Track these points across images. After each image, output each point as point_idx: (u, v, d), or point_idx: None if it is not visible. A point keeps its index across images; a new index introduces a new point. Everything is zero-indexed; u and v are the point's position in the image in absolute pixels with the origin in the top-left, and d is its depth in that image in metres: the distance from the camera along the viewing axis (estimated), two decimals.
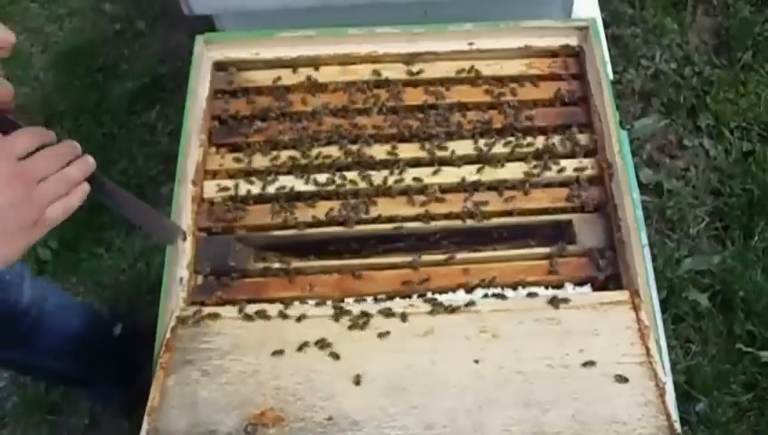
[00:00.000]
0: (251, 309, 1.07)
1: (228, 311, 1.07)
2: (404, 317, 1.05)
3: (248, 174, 1.23)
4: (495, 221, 1.18)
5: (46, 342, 1.39)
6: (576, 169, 1.21)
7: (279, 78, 1.32)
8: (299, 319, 1.05)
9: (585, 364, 0.99)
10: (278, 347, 1.02)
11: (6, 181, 0.74)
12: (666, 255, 1.90)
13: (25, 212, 0.76)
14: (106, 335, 1.62)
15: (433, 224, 1.18)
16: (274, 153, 1.24)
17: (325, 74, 1.32)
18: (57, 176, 0.80)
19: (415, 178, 1.21)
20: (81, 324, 1.49)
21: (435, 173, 1.21)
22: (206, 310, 1.07)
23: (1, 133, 0.80)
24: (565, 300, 1.06)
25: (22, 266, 1.33)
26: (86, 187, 0.84)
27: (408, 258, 1.14)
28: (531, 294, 1.09)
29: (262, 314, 1.06)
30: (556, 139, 1.25)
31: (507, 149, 1.23)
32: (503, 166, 1.22)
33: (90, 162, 0.85)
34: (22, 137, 0.79)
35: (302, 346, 1.02)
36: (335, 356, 1.01)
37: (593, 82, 1.28)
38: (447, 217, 1.18)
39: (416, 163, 1.23)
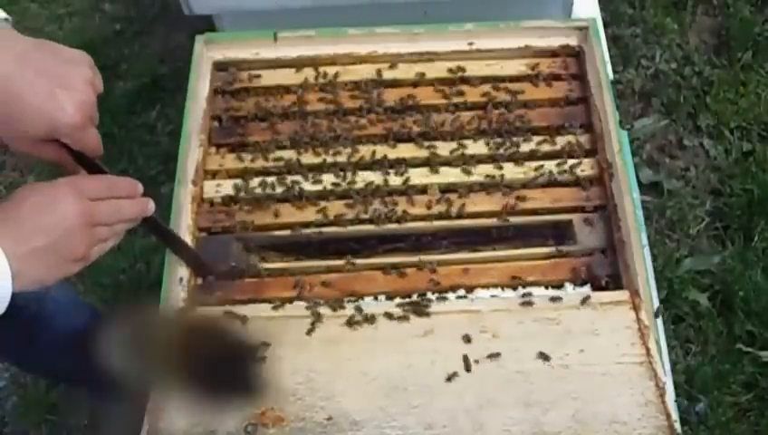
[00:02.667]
0: (251, 310, 1.07)
1: (228, 311, 1.07)
2: (404, 317, 1.05)
3: (248, 174, 1.23)
4: (495, 221, 1.18)
5: (46, 337, 1.38)
6: (576, 169, 1.21)
7: (279, 78, 1.32)
8: (299, 319, 1.05)
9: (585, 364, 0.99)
10: (278, 349, 1.02)
11: (73, 215, 0.81)
12: (666, 255, 1.90)
13: (78, 247, 0.82)
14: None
15: (433, 224, 1.18)
16: (274, 153, 1.24)
17: (325, 74, 1.32)
18: (113, 226, 0.88)
19: (415, 178, 1.21)
20: (81, 322, 1.49)
21: (435, 173, 1.21)
22: (206, 310, 1.06)
23: (88, 172, 0.90)
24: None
25: None
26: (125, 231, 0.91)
27: (409, 258, 1.14)
28: (527, 295, 1.09)
29: (261, 319, 1.06)
30: (556, 139, 1.25)
31: (507, 150, 1.23)
32: (503, 166, 1.22)
33: (147, 208, 0.93)
34: (98, 182, 0.88)
35: (302, 346, 1.02)
36: (335, 356, 1.01)
37: (593, 82, 1.28)
38: (447, 217, 1.18)
39: (416, 163, 1.23)
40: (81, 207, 0.82)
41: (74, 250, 0.81)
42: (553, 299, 1.06)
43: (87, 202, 0.83)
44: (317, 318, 1.05)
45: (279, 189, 1.20)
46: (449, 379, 0.98)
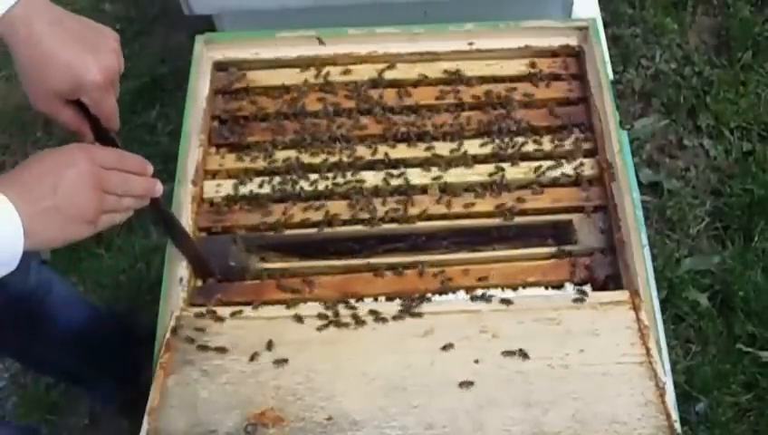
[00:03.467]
0: (251, 311, 1.07)
1: (228, 311, 1.07)
2: (404, 317, 1.05)
3: (248, 174, 1.23)
4: (495, 221, 1.18)
5: (48, 330, 1.39)
6: (576, 169, 1.21)
7: (279, 78, 1.32)
8: (299, 319, 1.05)
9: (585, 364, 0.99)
10: (278, 347, 1.02)
11: (85, 177, 0.83)
12: (666, 255, 1.90)
13: (87, 208, 0.84)
14: (106, 333, 1.62)
15: (433, 224, 1.18)
16: (274, 153, 1.24)
17: (325, 74, 1.32)
18: (122, 194, 0.90)
19: (415, 178, 1.21)
20: (82, 319, 1.49)
21: (435, 173, 1.21)
22: (206, 310, 1.07)
23: (101, 144, 0.94)
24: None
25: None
26: (133, 209, 0.94)
27: (408, 259, 1.14)
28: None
29: (261, 319, 1.06)
30: (556, 139, 1.25)
31: (507, 150, 1.23)
32: (503, 166, 1.22)
33: (156, 189, 0.94)
34: (112, 154, 0.90)
35: (303, 346, 1.02)
36: (335, 356, 1.01)
37: (593, 82, 1.28)
38: (447, 217, 1.18)
39: (416, 163, 1.23)
40: (91, 169, 0.84)
41: (84, 211, 0.83)
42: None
43: (97, 167, 0.85)
44: (317, 318, 1.05)
45: (279, 189, 1.20)
46: (449, 379, 0.98)
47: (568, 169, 1.21)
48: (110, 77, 0.93)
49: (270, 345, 1.02)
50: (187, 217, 1.16)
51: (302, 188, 1.20)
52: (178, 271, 1.11)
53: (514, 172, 1.21)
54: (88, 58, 0.90)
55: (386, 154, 1.23)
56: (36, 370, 1.82)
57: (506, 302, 1.07)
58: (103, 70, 0.91)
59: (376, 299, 1.10)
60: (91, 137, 0.95)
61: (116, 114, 0.95)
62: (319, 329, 1.04)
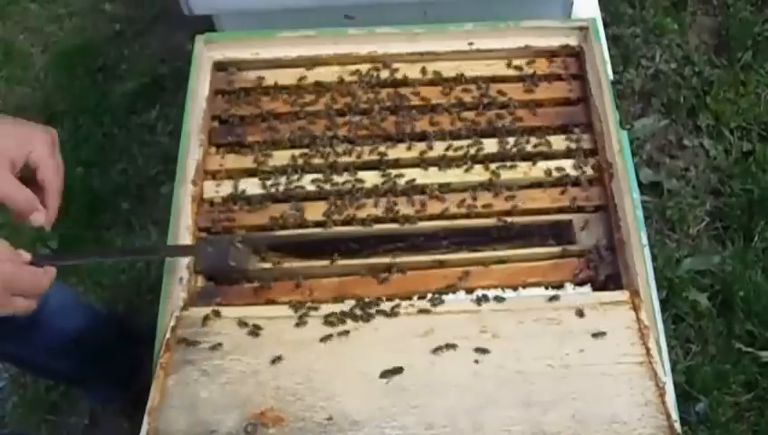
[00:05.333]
0: (251, 310, 1.07)
1: (228, 311, 1.07)
2: (404, 317, 1.05)
3: (248, 174, 1.23)
4: (495, 221, 1.18)
5: (45, 339, 1.38)
6: (576, 169, 1.21)
7: (279, 78, 1.32)
8: (299, 319, 1.05)
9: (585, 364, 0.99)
10: (278, 347, 1.02)
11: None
12: (666, 255, 1.90)
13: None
14: (106, 335, 1.62)
15: (433, 224, 1.18)
16: (274, 153, 1.24)
17: (325, 74, 1.32)
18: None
19: (414, 178, 1.21)
20: (81, 324, 1.49)
21: (434, 173, 1.21)
22: (207, 310, 1.07)
23: None
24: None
25: None
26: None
27: (408, 259, 1.14)
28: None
29: (261, 319, 1.06)
30: (556, 139, 1.25)
31: (507, 149, 1.23)
32: (503, 166, 1.22)
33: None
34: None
35: (302, 346, 1.02)
36: (335, 356, 1.01)
37: (593, 82, 1.28)
38: (447, 217, 1.18)
39: (415, 163, 1.23)
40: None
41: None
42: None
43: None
44: (317, 318, 1.05)
45: (279, 190, 1.20)
46: (449, 379, 0.98)
47: (568, 168, 1.21)
48: (54, 140, 0.95)
49: (270, 346, 1.02)
50: (186, 217, 1.16)
51: (302, 188, 1.20)
52: (178, 271, 1.11)
53: (514, 172, 1.21)
54: (32, 125, 0.95)
55: (386, 154, 1.23)
56: (35, 375, 1.82)
57: (506, 302, 1.07)
58: (49, 133, 0.95)
59: (376, 299, 1.09)
60: (41, 215, 0.94)
61: (58, 187, 0.95)
62: (319, 329, 1.04)
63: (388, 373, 0.98)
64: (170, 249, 1.13)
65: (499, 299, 1.07)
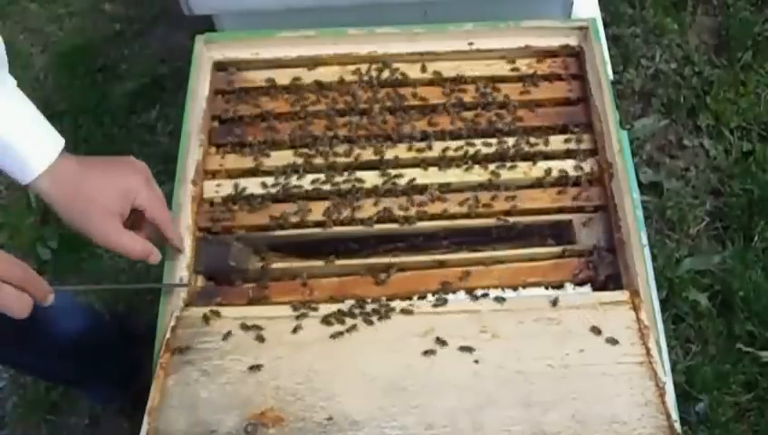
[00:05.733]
0: (251, 311, 1.07)
1: (228, 311, 1.07)
2: (404, 317, 1.05)
3: (248, 174, 1.23)
4: (495, 221, 1.18)
5: (45, 342, 1.38)
6: (576, 169, 1.21)
7: (279, 78, 1.32)
8: (299, 319, 1.05)
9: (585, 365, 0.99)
10: (278, 348, 1.02)
11: None
12: (666, 255, 1.90)
13: None
14: (106, 337, 1.62)
15: (433, 224, 1.18)
16: (274, 153, 1.24)
17: (325, 74, 1.32)
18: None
19: (414, 178, 1.21)
20: (79, 326, 1.49)
21: (434, 173, 1.21)
22: (207, 310, 1.07)
23: None
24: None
25: None
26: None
27: (408, 259, 1.14)
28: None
29: (262, 319, 1.06)
30: (556, 139, 1.25)
31: (507, 149, 1.23)
32: (503, 166, 1.22)
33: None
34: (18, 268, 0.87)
35: (302, 346, 1.02)
36: (335, 356, 1.01)
37: (593, 82, 1.28)
38: (447, 217, 1.18)
39: (415, 163, 1.23)
40: None
41: None
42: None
43: None
44: (317, 318, 1.05)
45: (279, 190, 1.20)
46: (449, 379, 0.98)
47: (568, 169, 1.21)
48: (147, 175, 1.02)
49: (270, 346, 1.02)
50: (187, 217, 1.16)
51: (302, 188, 1.20)
52: (178, 271, 1.11)
53: (514, 172, 1.21)
54: (121, 167, 1.00)
55: (385, 154, 1.23)
56: (34, 377, 1.82)
57: (506, 302, 1.07)
58: (141, 170, 1.02)
59: (376, 299, 1.09)
60: (157, 255, 1.02)
61: (170, 218, 1.04)
62: (319, 329, 1.04)
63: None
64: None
65: (499, 299, 1.07)
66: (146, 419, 0.95)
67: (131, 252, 0.98)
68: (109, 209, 0.96)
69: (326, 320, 1.05)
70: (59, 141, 0.96)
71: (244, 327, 1.04)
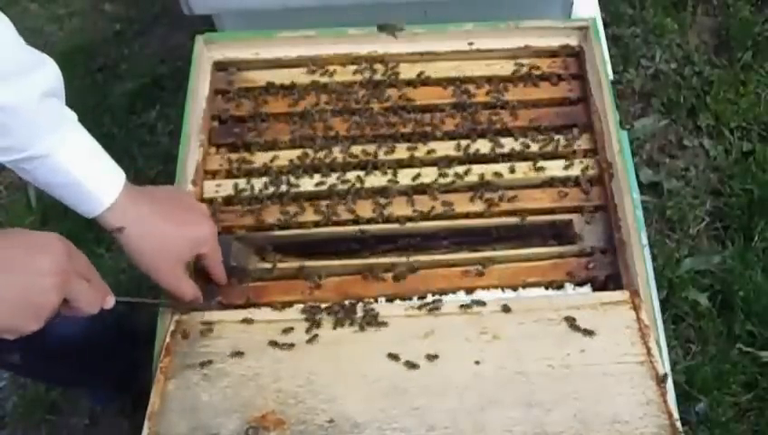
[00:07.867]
0: (251, 312, 1.07)
1: (229, 314, 1.07)
2: (404, 318, 1.05)
3: (248, 174, 1.23)
4: (495, 221, 1.18)
5: (47, 347, 1.38)
6: (576, 169, 1.21)
7: (279, 78, 1.31)
8: (299, 321, 1.05)
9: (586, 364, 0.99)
10: (278, 350, 1.02)
11: (56, 275, 0.82)
12: (666, 255, 1.90)
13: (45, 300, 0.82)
14: (107, 338, 1.62)
15: (433, 224, 1.18)
16: (274, 153, 1.24)
17: (325, 74, 1.32)
18: (75, 305, 0.89)
19: (414, 178, 1.20)
20: (82, 328, 1.48)
21: (435, 173, 1.21)
22: (207, 313, 1.06)
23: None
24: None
25: None
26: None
27: (409, 259, 1.14)
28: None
29: (262, 322, 1.06)
30: (556, 139, 1.24)
31: (507, 150, 1.23)
32: (503, 166, 1.22)
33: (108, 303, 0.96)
34: (84, 260, 0.90)
35: (303, 349, 1.02)
36: (336, 358, 1.01)
37: (593, 82, 1.28)
38: (447, 217, 1.18)
39: (415, 163, 1.23)
40: (66, 267, 0.83)
41: (44, 301, 0.82)
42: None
43: (71, 267, 0.85)
44: (317, 320, 1.05)
45: (279, 189, 1.20)
46: (450, 380, 0.98)
47: (568, 168, 1.21)
48: (214, 232, 1.05)
49: (270, 348, 1.02)
50: None
51: (302, 187, 1.20)
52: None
53: (514, 172, 1.21)
54: (191, 216, 1.03)
55: (385, 154, 1.23)
56: (34, 380, 1.82)
57: (506, 302, 1.07)
58: (209, 219, 1.05)
59: (376, 300, 1.09)
60: (201, 298, 1.06)
61: (224, 272, 1.08)
62: (319, 330, 1.04)
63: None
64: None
65: (499, 300, 1.07)
66: (146, 423, 0.95)
67: (185, 296, 1.03)
68: (180, 258, 1.01)
69: (326, 322, 1.05)
70: (121, 175, 0.98)
71: (245, 329, 1.04)
